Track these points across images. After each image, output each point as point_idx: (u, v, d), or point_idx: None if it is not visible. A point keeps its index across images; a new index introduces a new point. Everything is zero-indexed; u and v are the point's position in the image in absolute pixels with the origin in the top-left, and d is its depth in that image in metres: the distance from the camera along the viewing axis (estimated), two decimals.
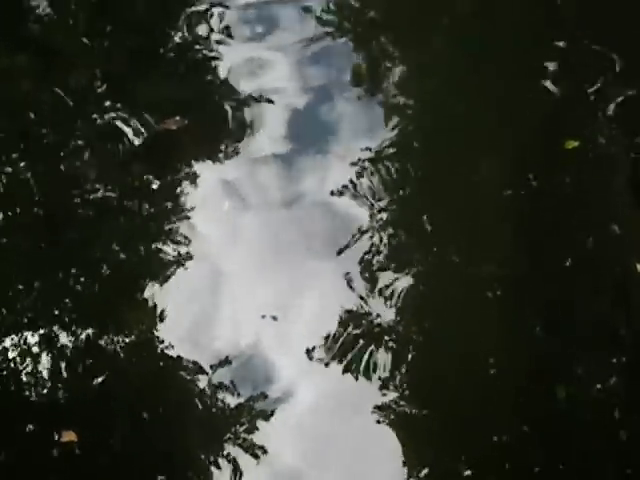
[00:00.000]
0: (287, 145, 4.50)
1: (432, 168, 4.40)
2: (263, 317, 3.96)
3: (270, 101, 4.64)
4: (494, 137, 4.43)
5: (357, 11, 4.95)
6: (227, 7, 5.00)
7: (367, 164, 4.38)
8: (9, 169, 4.44)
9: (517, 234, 4.13)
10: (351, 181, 4.33)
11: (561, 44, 4.71)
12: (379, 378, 3.77)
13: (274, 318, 3.96)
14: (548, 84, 4.58)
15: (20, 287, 4.09)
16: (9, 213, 4.32)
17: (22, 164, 4.43)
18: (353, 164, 4.39)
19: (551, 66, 4.63)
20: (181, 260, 4.17)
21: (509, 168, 4.33)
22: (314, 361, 3.84)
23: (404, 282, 4.03)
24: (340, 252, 4.12)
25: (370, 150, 4.43)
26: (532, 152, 4.37)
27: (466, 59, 4.68)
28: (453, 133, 4.47)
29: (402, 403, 3.71)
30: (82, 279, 4.11)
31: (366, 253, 4.12)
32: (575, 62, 4.63)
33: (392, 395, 3.72)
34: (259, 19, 4.97)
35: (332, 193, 4.34)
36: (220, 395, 3.78)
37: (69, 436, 3.68)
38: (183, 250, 4.19)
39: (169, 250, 4.20)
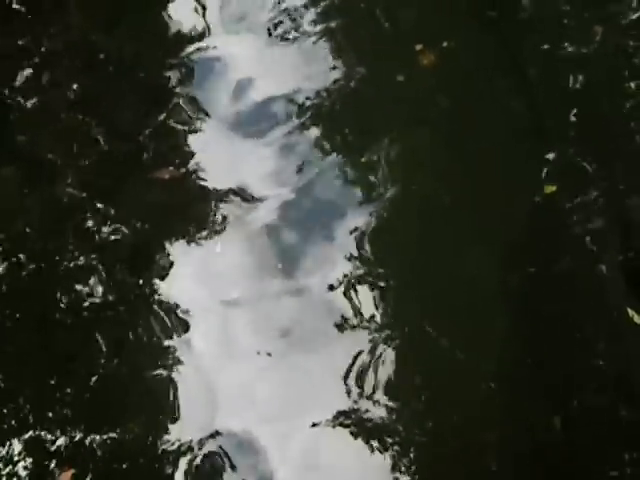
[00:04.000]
0: (280, 244, 4.54)
1: (424, 262, 4.44)
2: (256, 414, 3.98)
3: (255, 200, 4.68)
4: (483, 229, 4.48)
5: (340, 114, 5.02)
6: (208, 115, 5.06)
7: (360, 261, 4.42)
8: None
9: (512, 325, 4.16)
10: (348, 281, 4.36)
11: (544, 138, 4.78)
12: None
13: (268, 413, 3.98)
14: (534, 180, 4.63)
15: (6, 390, 4.10)
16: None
17: (12, 270, 4.46)
18: (347, 261, 4.42)
19: (536, 157, 4.69)
20: (173, 368, 4.17)
21: (499, 259, 4.36)
22: (307, 456, 3.86)
23: (399, 375, 4.05)
24: (335, 349, 4.14)
25: (364, 248, 4.46)
26: (521, 242, 4.42)
27: (450, 153, 4.76)
28: (442, 226, 4.53)
29: None
30: (70, 385, 4.12)
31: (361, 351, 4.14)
32: (560, 157, 4.69)
33: None
34: (244, 122, 5.03)
35: (330, 288, 4.37)
36: None
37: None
38: (175, 357, 4.20)
39: (159, 357, 4.19)
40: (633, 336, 4.01)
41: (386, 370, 4.08)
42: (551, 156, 4.62)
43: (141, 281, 4.42)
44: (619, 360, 3.98)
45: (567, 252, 4.34)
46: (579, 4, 5.24)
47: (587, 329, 4.07)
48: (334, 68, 5.14)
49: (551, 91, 4.91)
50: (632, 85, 4.87)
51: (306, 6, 5.44)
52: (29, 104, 5.01)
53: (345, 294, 4.32)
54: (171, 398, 4.08)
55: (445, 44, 5.11)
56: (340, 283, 4.35)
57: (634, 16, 5.09)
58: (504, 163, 4.69)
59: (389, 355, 4.12)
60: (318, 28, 5.33)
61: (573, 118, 4.79)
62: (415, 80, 5.01)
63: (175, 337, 4.27)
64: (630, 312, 4.05)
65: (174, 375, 4.15)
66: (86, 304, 4.35)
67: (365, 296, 4.30)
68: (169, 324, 4.31)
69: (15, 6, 5.36)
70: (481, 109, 4.89)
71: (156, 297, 4.39)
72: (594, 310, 4.12)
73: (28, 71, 5.09)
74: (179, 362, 4.19)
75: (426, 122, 4.89)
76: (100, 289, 4.39)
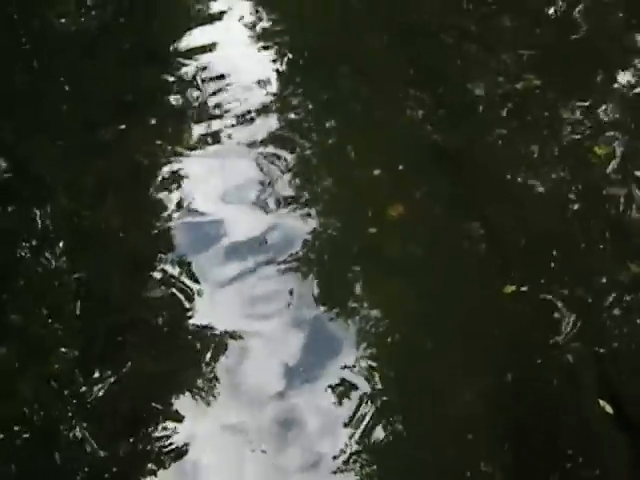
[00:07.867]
0: (275, 381, 4.68)
1: (410, 407, 4.60)
2: None
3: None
4: (466, 367, 4.69)
5: (316, 266, 5.24)
6: (198, 281, 5.20)
7: (346, 387, 4.59)
8: None
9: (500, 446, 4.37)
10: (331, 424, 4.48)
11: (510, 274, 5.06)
12: None
13: None
14: (507, 313, 4.90)
15: None
16: None
17: (9, 448, 4.47)
18: (332, 386, 4.59)
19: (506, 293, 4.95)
20: None
21: (484, 394, 4.57)
22: None
23: None
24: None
25: (350, 369, 4.65)
26: (506, 367, 4.65)
27: (424, 299, 4.99)
28: (427, 370, 4.73)
29: None
30: None
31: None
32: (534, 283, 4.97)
33: None
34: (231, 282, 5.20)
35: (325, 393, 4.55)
36: None
37: None
38: None
39: None
40: (604, 423, 4.37)
41: None
42: (521, 289, 4.89)
43: (140, 446, 4.48)
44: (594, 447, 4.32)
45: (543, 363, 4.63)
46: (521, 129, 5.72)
47: (564, 430, 4.37)
48: (310, 224, 5.40)
49: (512, 228, 5.23)
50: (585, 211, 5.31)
51: (289, 181, 5.73)
52: (20, 283, 5.13)
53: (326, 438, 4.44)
54: None
55: (412, 196, 5.47)
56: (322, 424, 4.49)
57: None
58: (477, 302, 4.92)
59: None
60: (296, 193, 5.65)
61: (535, 252, 5.11)
62: (386, 231, 5.30)
63: None
64: (602, 402, 4.39)
65: None
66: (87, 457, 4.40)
67: (350, 442, 4.42)
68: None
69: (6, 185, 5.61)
70: (449, 254, 5.17)
71: (156, 450, 4.46)
72: (569, 405, 4.44)
73: (18, 252, 5.26)
74: None
75: (399, 271, 5.13)
76: (100, 457, 4.42)
